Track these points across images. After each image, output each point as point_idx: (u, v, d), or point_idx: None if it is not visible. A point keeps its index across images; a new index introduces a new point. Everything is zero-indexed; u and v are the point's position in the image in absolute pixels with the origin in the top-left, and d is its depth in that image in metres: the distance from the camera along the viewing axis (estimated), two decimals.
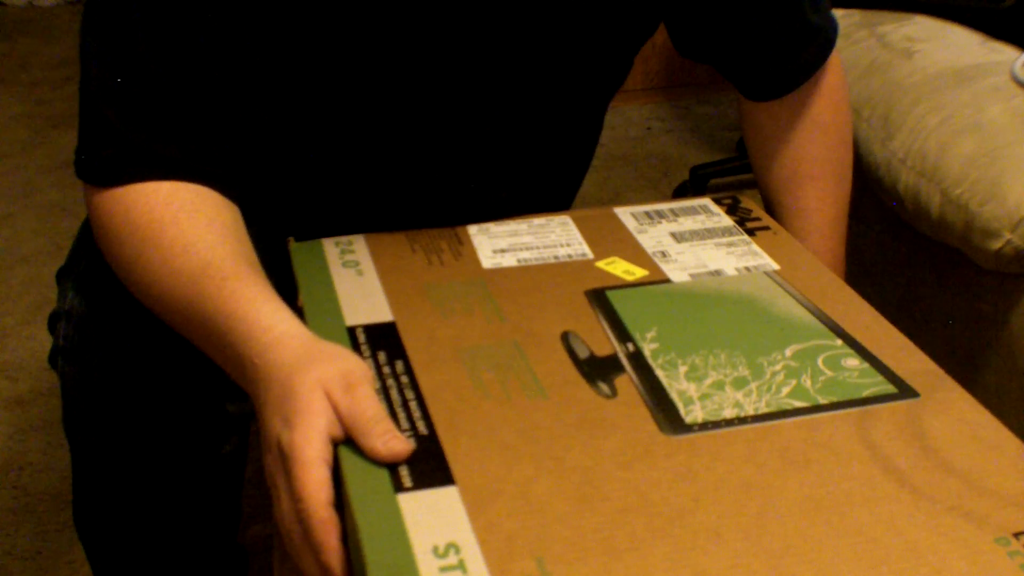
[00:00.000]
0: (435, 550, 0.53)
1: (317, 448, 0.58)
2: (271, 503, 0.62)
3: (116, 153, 0.73)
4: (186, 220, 0.71)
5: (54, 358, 0.85)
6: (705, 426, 0.62)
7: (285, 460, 0.59)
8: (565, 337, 0.71)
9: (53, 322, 0.85)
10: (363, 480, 0.58)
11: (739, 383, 0.66)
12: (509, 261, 0.80)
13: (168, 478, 0.86)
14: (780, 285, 0.78)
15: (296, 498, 0.58)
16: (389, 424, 0.60)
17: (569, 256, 0.81)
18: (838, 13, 1.24)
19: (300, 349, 0.63)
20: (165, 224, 0.71)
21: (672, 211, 0.88)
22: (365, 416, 0.59)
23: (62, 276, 0.87)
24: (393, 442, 0.59)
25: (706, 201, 0.90)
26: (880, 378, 0.67)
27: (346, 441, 0.60)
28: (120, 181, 0.73)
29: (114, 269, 0.75)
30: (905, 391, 0.66)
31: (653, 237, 0.84)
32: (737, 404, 0.64)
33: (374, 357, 0.68)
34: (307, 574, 0.60)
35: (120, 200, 0.73)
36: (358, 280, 0.77)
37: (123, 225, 0.72)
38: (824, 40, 0.92)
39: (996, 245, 0.90)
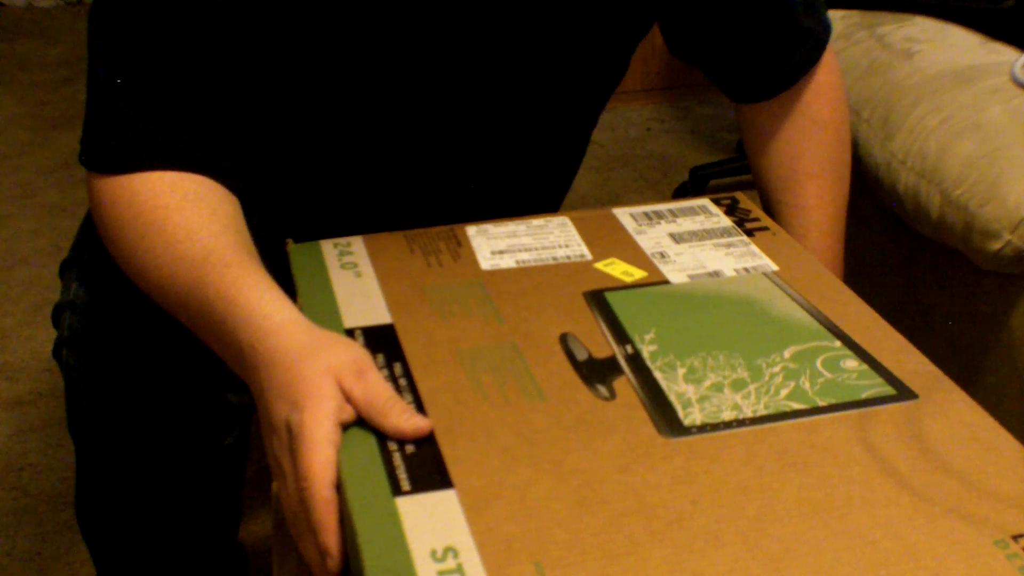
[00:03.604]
0: (433, 554, 0.53)
1: (326, 429, 0.59)
2: (270, 499, 0.63)
3: (122, 142, 0.74)
4: (190, 208, 0.72)
5: (58, 350, 0.86)
6: (704, 428, 0.62)
7: (294, 440, 0.60)
8: (563, 339, 0.71)
9: (57, 314, 0.86)
10: (362, 484, 0.58)
11: (738, 385, 0.66)
12: (507, 262, 0.80)
13: (170, 469, 0.87)
14: (779, 286, 0.77)
15: (301, 477, 0.59)
16: (405, 404, 0.62)
17: (568, 257, 0.81)
18: (838, 14, 1.24)
19: (304, 336, 0.64)
20: (170, 211, 0.72)
21: (671, 212, 0.88)
22: (382, 398, 0.61)
23: (65, 268, 0.88)
24: (415, 419, 0.61)
25: (705, 202, 0.90)
26: (879, 380, 0.67)
27: (344, 444, 0.60)
28: (125, 169, 0.74)
29: (114, 256, 0.75)
30: (904, 393, 0.66)
31: (652, 238, 0.84)
32: (736, 406, 0.64)
33: (373, 359, 0.68)
34: (307, 558, 0.61)
35: (125, 187, 0.74)
36: (356, 282, 0.77)
37: (127, 211, 0.73)
38: (815, 42, 0.92)
39: (996, 246, 0.90)
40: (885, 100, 1.07)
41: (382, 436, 0.61)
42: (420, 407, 0.64)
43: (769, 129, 0.95)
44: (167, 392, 0.83)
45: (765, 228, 0.86)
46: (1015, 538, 0.54)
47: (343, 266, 0.79)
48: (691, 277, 0.79)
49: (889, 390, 0.66)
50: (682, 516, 0.56)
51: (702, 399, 0.65)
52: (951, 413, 0.64)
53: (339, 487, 0.58)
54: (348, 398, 0.61)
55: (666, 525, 0.55)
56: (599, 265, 0.80)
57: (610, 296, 0.76)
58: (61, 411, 0.88)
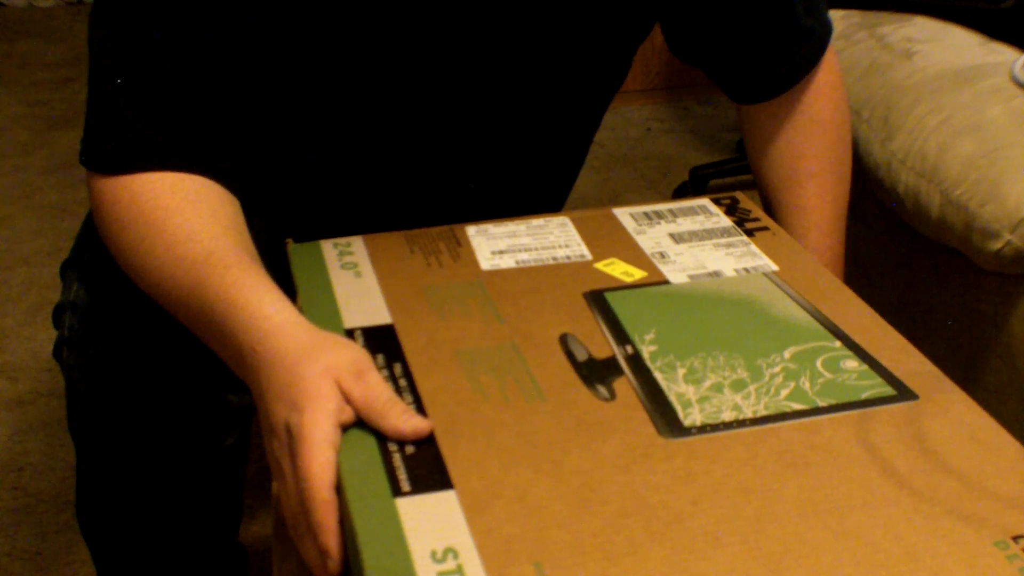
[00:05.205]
0: (433, 555, 0.53)
1: (325, 431, 0.59)
2: (270, 499, 0.63)
3: (123, 142, 0.74)
4: (190, 210, 0.73)
5: (58, 350, 0.86)
6: (703, 429, 0.62)
7: (293, 441, 0.60)
8: (563, 339, 0.71)
9: (58, 315, 0.86)
10: (361, 484, 0.58)
11: (738, 385, 0.66)
12: (507, 263, 0.80)
13: (171, 470, 0.87)
14: (779, 286, 0.77)
15: (300, 478, 0.59)
16: (404, 405, 0.62)
17: (568, 257, 0.81)
18: (838, 14, 1.24)
19: (303, 337, 0.64)
20: (170, 212, 0.72)
21: (671, 211, 0.88)
22: (381, 399, 0.61)
23: (66, 268, 0.88)
24: (414, 420, 0.61)
25: (705, 201, 0.90)
26: (879, 380, 0.67)
27: (344, 445, 0.60)
28: (126, 170, 0.74)
29: (115, 256, 0.76)
30: (904, 393, 0.66)
31: (652, 238, 0.84)
32: (736, 407, 0.64)
33: (372, 360, 0.68)
34: (306, 559, 0.61)
35: (126, 187, 0.74)
36: (356, 282, 0.77)
37: (127, 212, 0.73)
38: (815, 42, 0.92)
39: (996, 246, 0.90)
40: (885, 100, 1.07)
41: (382, 437, 0.61)
42: (420, 407, 0.64)
43: (770, 129, 0.95)
44: (167, 392, 0.83)
45: (765, 228, 0.86)
46: (1015, 539, 0.54)
47: (343, 266, 0.79)
48: (691, 277, 0.79)
49: (889, 390, 0.66)
50: (682, 516, 0.56)
51: (702, 399, 0.65)
52: (951, 413, 0.64)
53: (339, 488, 0.58)
54: (347, 399, 0.61)
55: (666, 525, 0.55)
56: (599, 265, 0.80)
57: (610, 296, 0.76)
58: (61, 411, 0.88)
